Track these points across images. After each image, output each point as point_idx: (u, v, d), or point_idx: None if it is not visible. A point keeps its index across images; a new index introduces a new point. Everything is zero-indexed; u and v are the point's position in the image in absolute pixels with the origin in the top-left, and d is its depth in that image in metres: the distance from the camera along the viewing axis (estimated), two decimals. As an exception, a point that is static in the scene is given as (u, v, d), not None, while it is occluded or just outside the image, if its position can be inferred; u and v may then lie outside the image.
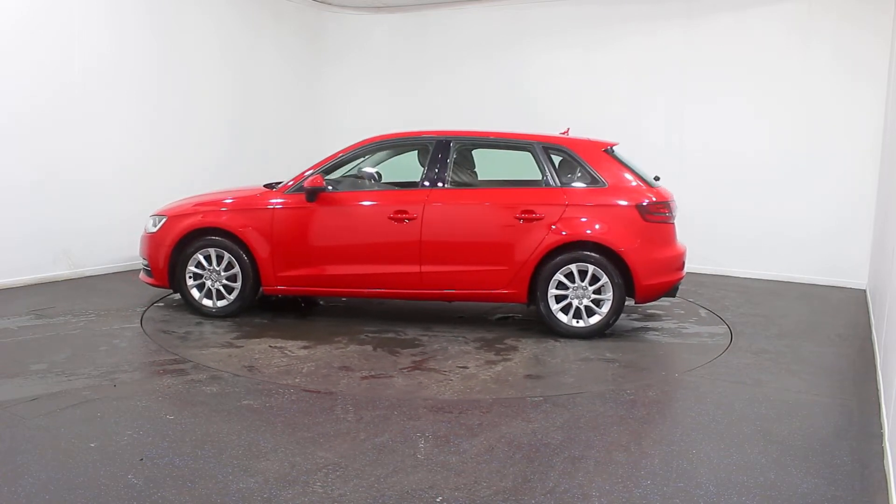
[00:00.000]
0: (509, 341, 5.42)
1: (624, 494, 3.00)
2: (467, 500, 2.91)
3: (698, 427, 3.81)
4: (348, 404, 3.99)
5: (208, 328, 5.60)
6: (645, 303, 5.82)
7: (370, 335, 5.52)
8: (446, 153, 5.74)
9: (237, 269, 5.80)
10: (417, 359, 4.94)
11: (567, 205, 5.48)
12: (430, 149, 5.80)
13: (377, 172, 5.91)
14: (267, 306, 6.38)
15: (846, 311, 6.82)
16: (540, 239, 5.43)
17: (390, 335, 5.54)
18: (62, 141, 6.95)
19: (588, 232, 5.43)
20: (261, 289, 5.87)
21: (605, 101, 8.82)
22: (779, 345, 5.50)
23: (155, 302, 6.30)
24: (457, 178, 5.81)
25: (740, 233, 8.28)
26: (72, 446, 3.32)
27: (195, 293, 5.89)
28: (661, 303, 6.61)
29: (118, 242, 7.56)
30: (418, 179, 5.76)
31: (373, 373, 4.61)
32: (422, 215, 5.58)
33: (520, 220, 5.48)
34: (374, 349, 5.16)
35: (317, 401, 4.04)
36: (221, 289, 5.86)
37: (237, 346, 5.12)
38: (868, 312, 6.63)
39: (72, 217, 7.09)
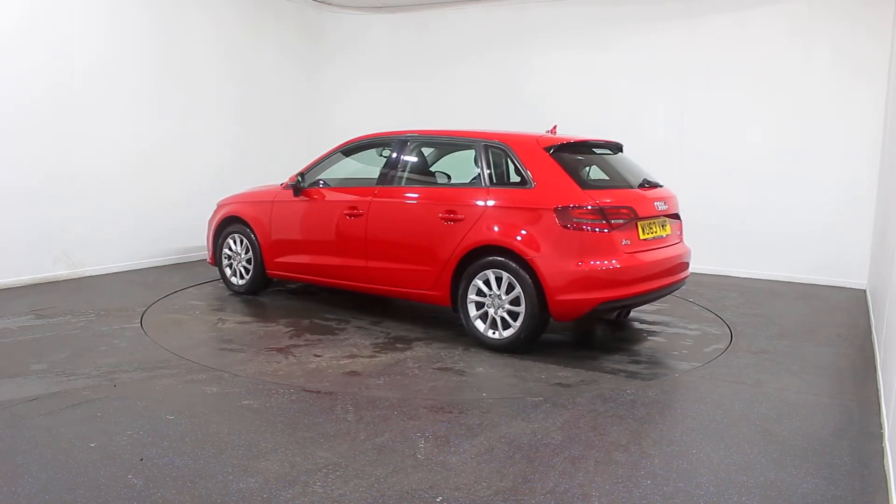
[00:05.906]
0: (417, 343, 5.27)
1: (624, 494, 3.00)
2: (467, 500, 2.91)
3: (698, 427, 3.81)
4: (348, 404, 3.99)
5: (202, 301, 6.49)
6: (565, 321, 5.10)
7: (315, 321, 5.86)
8: (399, 152, 5.86)
9: (251, 253, 6.60)
10: (300, 343, 5.17)
11: (486, 206, 5.18)
12: (390, 148, 5.96)
13: (445, 174, 6.01)
14: (301, 292, 7.01)
15: (846, 311, 6.81)
16: (458, 241, 5.21)
17: (331, 323, 5.81)
18: (62, 141, 6.95)
19: (497, 235, 5.05)
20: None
21: (605, 100, 8.82)
22: (779, 345, 5.50)
23: (155, 302, 6.31)
24: (408, 177, 5.84)
25: (740, 232, 8.28)
26: (72, 446, 3.32)
27: (227, 271, 6.86)
28: (661, 302, 6.60)
29: (118, 242, 7.57)
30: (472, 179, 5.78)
31: (235, 348, 5.00)
32: (368, 211, 5.75)
33: (443, 220, 5.32)
34: (292, 332, 5.48)
35: (317, 401, 4.04)
36: (242, 270, 6.70)
37: (191, 315, 5.88)
38: (868, 312, 6.63)
39: (72, 217, 7.10)
